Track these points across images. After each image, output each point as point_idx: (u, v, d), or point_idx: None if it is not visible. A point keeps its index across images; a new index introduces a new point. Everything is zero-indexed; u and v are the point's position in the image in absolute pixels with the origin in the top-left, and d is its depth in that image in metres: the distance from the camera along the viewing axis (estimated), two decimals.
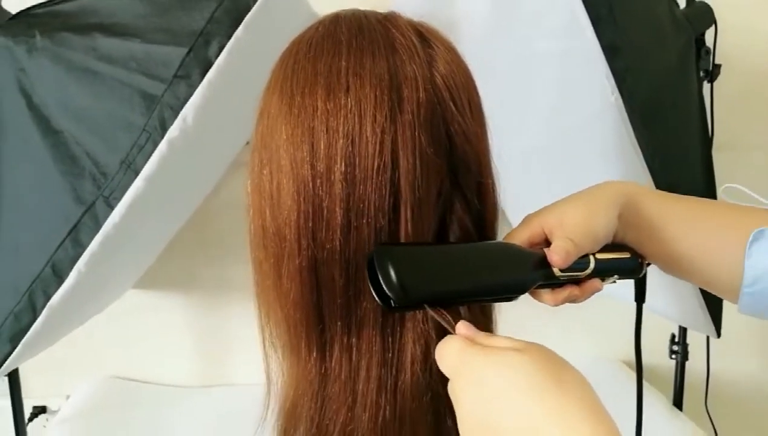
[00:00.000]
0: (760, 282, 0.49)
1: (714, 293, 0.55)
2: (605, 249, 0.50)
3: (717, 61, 1.04)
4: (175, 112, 0.71)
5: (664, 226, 0.52)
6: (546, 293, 0.49)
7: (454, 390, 0.38)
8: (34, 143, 0.77)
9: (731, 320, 0.99)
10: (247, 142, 1.12)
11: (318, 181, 0.41)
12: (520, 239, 0.49)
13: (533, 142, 0.88)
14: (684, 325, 1.13)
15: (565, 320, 1.08)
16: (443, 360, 0.39)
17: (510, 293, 0.44)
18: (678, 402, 1.18)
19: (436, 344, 0.43)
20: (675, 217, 0.52)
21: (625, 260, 0.52)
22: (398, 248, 0.42)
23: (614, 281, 0.52)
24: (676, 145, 0.85)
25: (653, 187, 0.79)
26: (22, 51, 0.79)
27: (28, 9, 0.83)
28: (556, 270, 0.46)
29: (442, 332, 0.43)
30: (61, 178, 0.76)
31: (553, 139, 0.87)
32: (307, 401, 0.45)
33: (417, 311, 0.43)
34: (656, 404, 1.13)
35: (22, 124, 0.78)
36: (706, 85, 1.06)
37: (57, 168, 0.76)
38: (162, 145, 0.72)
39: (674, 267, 0.53)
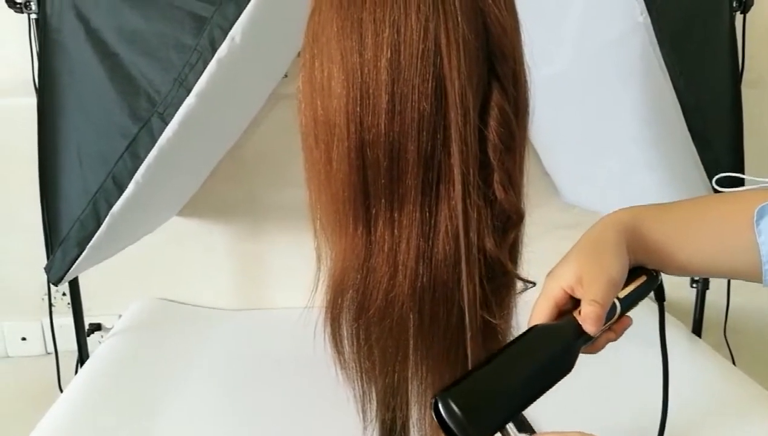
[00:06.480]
0: None
1: (738, 279, 0.55)
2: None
3: None
4: (224, 32, 0.75)
5: (668, 240, 0.53)
6: (586, 348, 0.51)
7: None
8: (93, 65, 0.82)
9: None
10: (286, 75, 1.18)
11: (366, 68, 0.44)
12: (548, 309, 0.50)
13: (560, 69, 0.90)
14: None
15: None
16: None
17: (562, 376, 0.47)
18: (697, 330, 1.21)
19: (470, 220, 0.47)
20: (676, 226, 0.54)
21: (643, 285, 0.53)
22: (456, 388, 0.43)
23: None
24: (704, 71, 0.86)
25: (678, 107, 0.81)
26: None
27: None
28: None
29: (477, 212, 0.47)
30: (118, 97, 0.81)
31: (580, 64, 0.89)
32: (354, 272, 0.49)
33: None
34: (675, 331, 1.16)
35: (82, 48, 0.83)
36: (739, 18, 1.06)
37: (114, 88, 0.81)
38: (212, 64, 0.76)
39: (691, 271, 0.55)
